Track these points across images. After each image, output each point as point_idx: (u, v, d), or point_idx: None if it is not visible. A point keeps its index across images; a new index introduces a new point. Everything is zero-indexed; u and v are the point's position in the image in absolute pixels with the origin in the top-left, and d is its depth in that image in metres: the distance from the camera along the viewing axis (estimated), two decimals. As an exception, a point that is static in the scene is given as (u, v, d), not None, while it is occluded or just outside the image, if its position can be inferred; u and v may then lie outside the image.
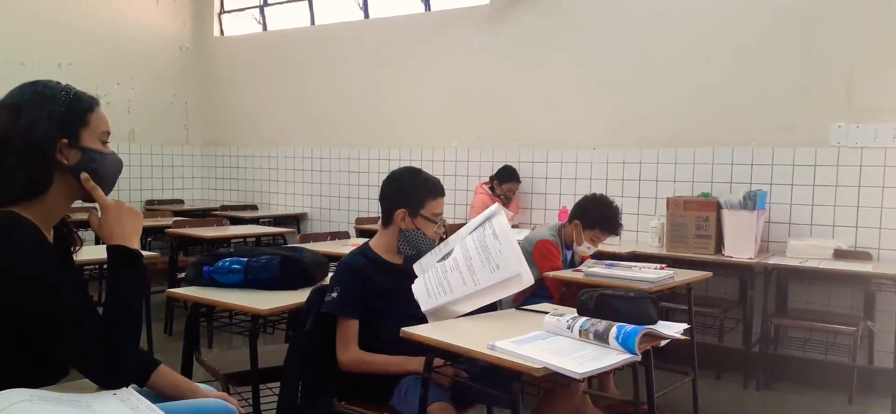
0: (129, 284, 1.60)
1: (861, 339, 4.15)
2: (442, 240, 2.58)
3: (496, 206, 2.51)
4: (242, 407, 2.82)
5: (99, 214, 1.67)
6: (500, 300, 2.80)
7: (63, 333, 1.49)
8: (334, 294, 2.42)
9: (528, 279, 2.29)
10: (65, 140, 1.60)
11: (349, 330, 2.42)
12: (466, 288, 2.30)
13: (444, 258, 2.43)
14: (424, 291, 2.38)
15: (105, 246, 1.64)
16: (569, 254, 3.96)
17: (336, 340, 2.43)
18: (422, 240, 2.52)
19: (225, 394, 1.88)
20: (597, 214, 3.79)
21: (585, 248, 3.81)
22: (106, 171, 1.68)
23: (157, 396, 1.75)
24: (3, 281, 1.48)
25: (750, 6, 4.77)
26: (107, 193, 1.68)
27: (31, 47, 6.61)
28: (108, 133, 1.70)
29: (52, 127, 1.58)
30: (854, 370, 4.09)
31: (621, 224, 3.86)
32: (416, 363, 2.30)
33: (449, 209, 5.95)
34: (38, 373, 1.58)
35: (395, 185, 2.57)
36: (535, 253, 3.81)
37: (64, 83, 1.67)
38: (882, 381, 4.19)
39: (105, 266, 4.40)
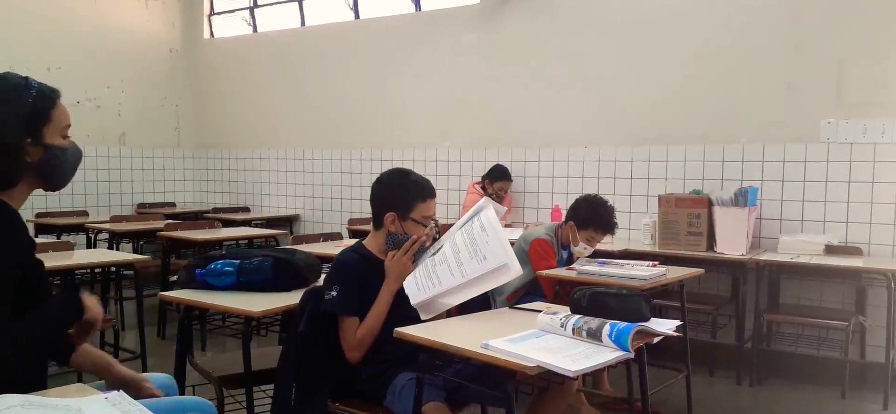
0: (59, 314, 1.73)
1: (853, 333, 4.17)
2: (434, 240, 2.57)
3: (484, 199, 2.50)
4: (236, 410, 2.83)
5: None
6: (494, 298, 2.81)
7: None
8: (334, 293, 2.41)
9: (515, 269, 2.28)
10: (29, 139, 1.67)
11: (351, 327, 2.42)
12: (454, 280, 2.30)
13: (434, 254, 2.44)
14: (414, 285, 2.39)
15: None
16: (565, 254, 3.97)
17: (340, 340, 2.43)
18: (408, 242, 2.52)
19: (168, 375, 2.03)
20: (590, 214, 3.80)
21: (582, 248, 3.81)
22: (67, 164, 1.76)
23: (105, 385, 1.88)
24: None
25: (739, 4, 4.79)
26: (67, 182, 1.79)
27: (19, 50, 6.57)
28: (69, 126, 1.76)
29: (19, 127, 1.65)
30: (846, 365, 4.11)
31: (616, 223, 3.86)
32: (390, 283, 2.41)
33: (441, 209, 5.96)
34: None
35: (384, 188, 2.56)
36: (531, 251, 3.82)
37: (25, 76, 1.72)
38: (874, 375, 4.21)
39: (98, 270, 4.39)
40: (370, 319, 2.42)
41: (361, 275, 2.46)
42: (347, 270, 2.46)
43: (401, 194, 2.51)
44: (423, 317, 2.36)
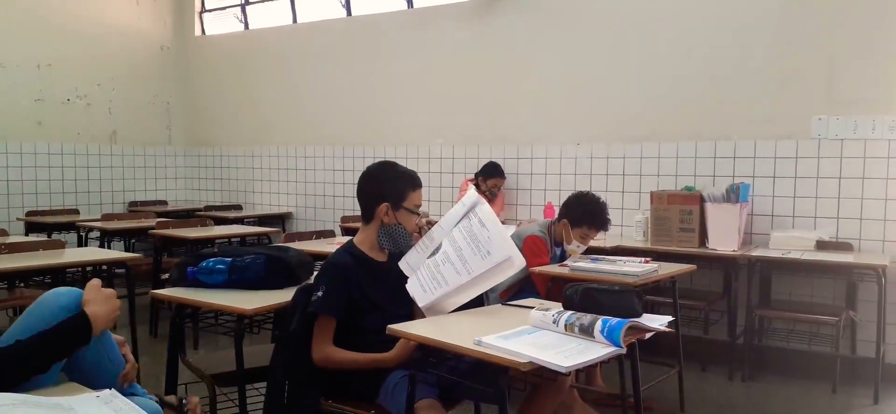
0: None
1: (844, 329, 4.19)
2: (424, 232, 2.57)
3: (474, 195, 2.50)
4: (229, 408, 2.82)
5: None
6: (487, 295, 2.81)
7: None
8: (320, 293, 2.41)
9: (519, 262, 2.30)
10: None
11: (325, 328, 2.41)
12: (461, 278, 2.31)
13: (433, 254, 2.43)
14: (419, 287, 2.38)
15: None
16: (558, 251, 3.97)
17: (313, 336, 2.42)
18: (401, 234, 2.52)
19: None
20: (582, 211, 3.80)
21: (576, 246, 3.82)
22: None
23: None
24: None
25: (730, 1, 4.79)
26: None
27: (9, 48, 6.54)
28: None
29: None
30: (837, 360, 4.13)
31: (609, 219, 3.87)
32: (389, 359, 2.31)
33: (435, 206, 5.96)
34: None
35: (374, 180, 2.56)
36: (524, 248, 3.81)
37: None
38: (865, 370, 4.23)
39: (89, 268, 4.37)
40: (350, 355, 2.38)
41: (352, 276, 2.45)
42: (336, 271, 2.45)
43: (392, 184, 2.52)
44: (428, 317, 2.36)
